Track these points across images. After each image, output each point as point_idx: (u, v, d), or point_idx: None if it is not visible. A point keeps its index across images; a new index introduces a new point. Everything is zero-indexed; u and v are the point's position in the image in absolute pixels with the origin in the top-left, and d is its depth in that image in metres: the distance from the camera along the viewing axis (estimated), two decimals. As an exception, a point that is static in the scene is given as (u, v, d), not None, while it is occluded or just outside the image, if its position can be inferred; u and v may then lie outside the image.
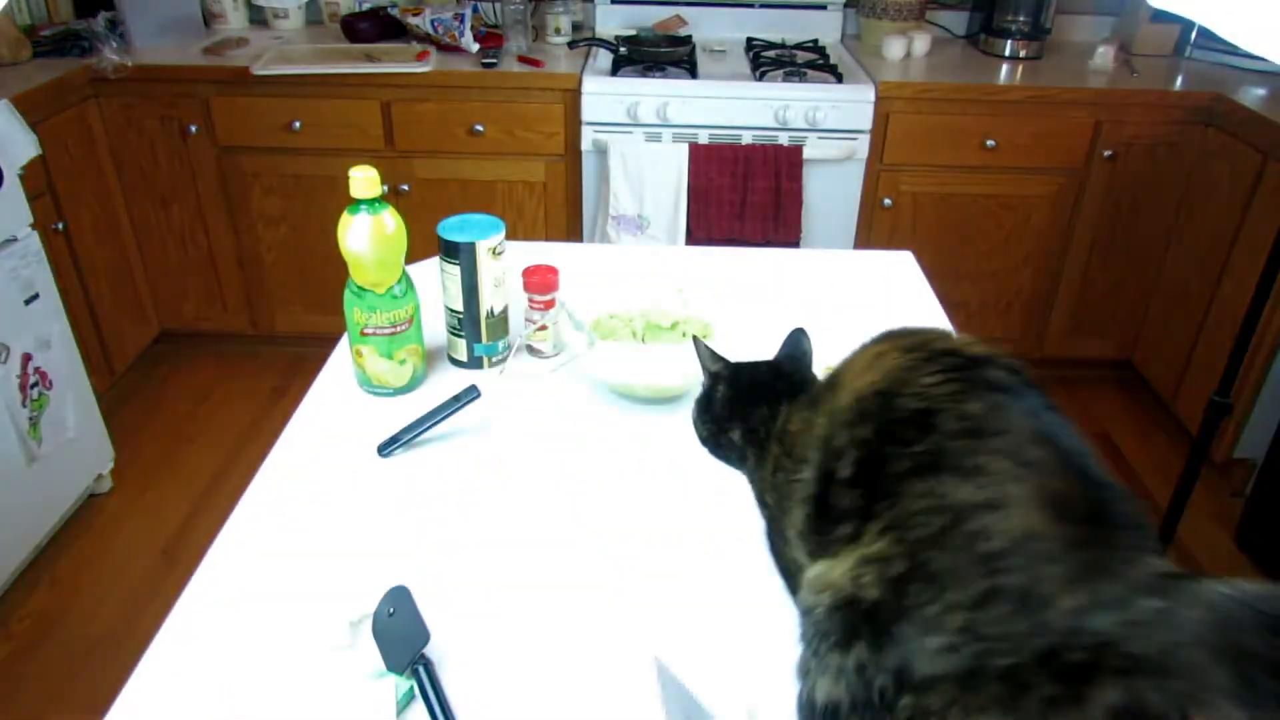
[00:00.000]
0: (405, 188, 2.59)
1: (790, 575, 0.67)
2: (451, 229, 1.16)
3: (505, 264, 1.19)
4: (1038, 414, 0.52)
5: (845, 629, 0.53)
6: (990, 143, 2.49)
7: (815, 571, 0.56)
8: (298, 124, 2.51)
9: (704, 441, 0.81)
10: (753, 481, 0.73)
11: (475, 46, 2.59)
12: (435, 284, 1.20)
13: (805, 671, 0.56)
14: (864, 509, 0.54)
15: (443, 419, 1.08)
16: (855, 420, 0.55)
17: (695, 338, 0.85)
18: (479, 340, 1.21)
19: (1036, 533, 0.47)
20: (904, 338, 0.59)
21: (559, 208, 2.63)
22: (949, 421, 0.51)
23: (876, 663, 0.51)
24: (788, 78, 2.49)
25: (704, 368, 0.82)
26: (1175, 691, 0.44)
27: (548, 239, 2.65)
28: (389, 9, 2.75)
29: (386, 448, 1.07)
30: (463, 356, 1.23)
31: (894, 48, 2.65)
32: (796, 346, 0.80)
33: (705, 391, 0.81)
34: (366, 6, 2.82)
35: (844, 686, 0.52)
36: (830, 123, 2.43)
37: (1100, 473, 0.51)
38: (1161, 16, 2.69)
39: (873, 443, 0.54)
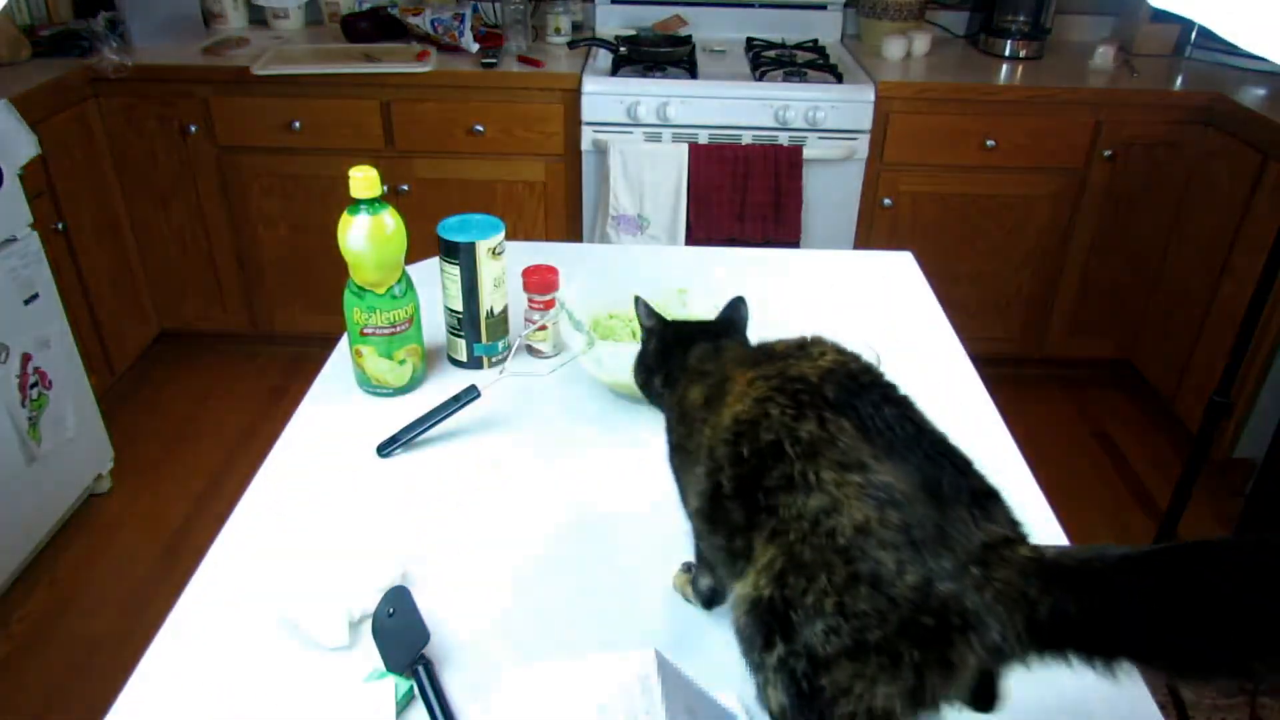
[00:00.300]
0: (405, 188, 2.59)
1: (678, 478, 0.78)
2: (451, 229, 1.16)
3: (505, 264, 1.19)
4: (865, 415, 0.61)
5: (761, 628, 0.61)
6: (990, 142, 2.49)
7: (736, 595, 0.65)
8: (298, 124, 2.51)
9: (640, 388, 0.91)
10: (667, 420, 0.82)
11: (475, 46, 2.59)
12: (435, 284, 1.20)
13: (759, 688, 0.63)
14: (749, 521, 0.63)
15: (443, 419, 1.08)
16: (732, 440, 0.65)
17: (637, 296, 0.93)
18: (479, 340, 1.21)
19: (866, 525, 0.56)
20: (770, 363, 0.68)
21: (559, 208, 2.63)
22: (790, 447, 0.61)
23: (793, 651, 0.58)
24: (788, 78, 2.49)
25: (641, 323, 0.92)
26: (993, 643, 0.53)
27: (548, 239, 2.65)
28: (389, 9, 2.75)
29: (386, 448, 1.07)
30: (463, 356, 1.23)
31: (894, 48, 2.65)
32: (735, 312, 0.88)
33: (642, 343, 0.91)
34: (366, 6, 2.82)
35: (781, 687, 0.60)
36: (830, 123, 2.43)
37: (936, 448, 0.60)
38: (1161, 16, 2.69)
39: (747, 462, 0.64)
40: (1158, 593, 0.49)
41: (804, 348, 0.71)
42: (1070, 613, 0.51)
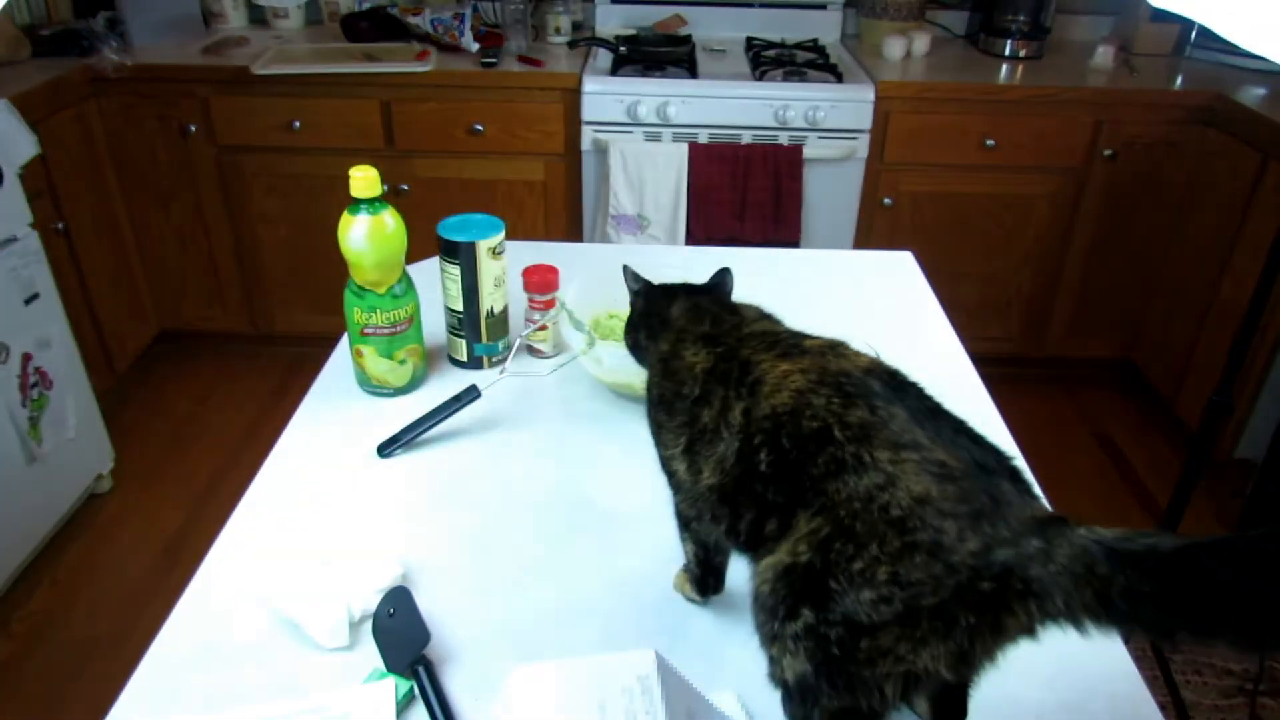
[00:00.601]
0: (405, 188, 2.59)
1: (658, 432, 0.81)
2: (451, 229, 1.16)
3: (505, 264, 1.19)
4: (911, 407, 0.64)
5: (789, 596, 0.62)
6: (990, 142, 2.49)
7: (760, 566, 0.66)
8: (298, 124, 2.51)
9: (630, 350, 0.95)
10: (650, 374, 0.85)
11: (475, 46, 2.59)
12: (435, 284, 1.20)
13: (771, 660, 0.65)
14: (788, 506, 0.65)
15: (443, 419, 1.08)
16: (773, 429, 0.67)
17: (625, 265, 0.98)
18: (479, 340, 1.21)
19: (927, 496, 0.58)
20: (803, 357, 0.71)
21: (559, 207, 2.63)
22: (839, 432, 0.63)
23: (825, 619, 0.60)
24: (788, 77, 2.49)
25: (629, 287, 0.96)
26: (1056, 611, 0.56)
27: (548, 239, 2.65)
28: (389, 9, 2.75)
29: (386, 448, 1.07)
30: (463, 356, 1.23)
31: (894, 47, 2.65)
32: (721, 279, 0.93)
33: (631, 307, 0.95)
34: (366, 6, 2.82)
35: (804, 655, 0.61)
36: (830, 122, 2.43)
37: (974, 437, 0.63)
38: (1161, 16, 2.69)
39: (790, 452, 0.65)
40: (1224, 578, 0.52)
41: (836, 349, 0.72)
42: (1144, 591, 0.54)
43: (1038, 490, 0.63)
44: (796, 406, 0.66)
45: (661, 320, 0.86)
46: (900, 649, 0.58)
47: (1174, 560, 0.54)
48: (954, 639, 0.57)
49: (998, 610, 0.57)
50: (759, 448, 0.67)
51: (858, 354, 0.71)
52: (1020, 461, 0.64)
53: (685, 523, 0.83)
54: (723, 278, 0.93)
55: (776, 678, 0.65)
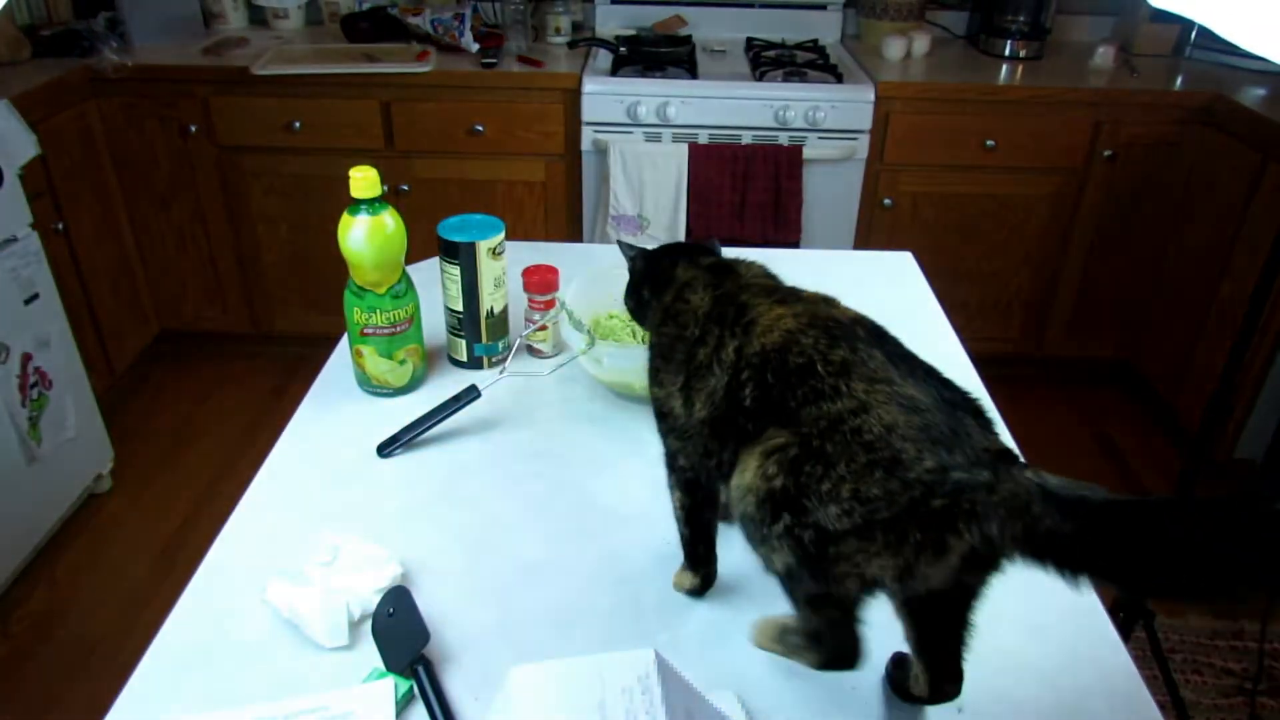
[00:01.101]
0: (405, 188, 2.59)
1: (654, 377, 0.86)
2: (451, 229, 1.16)
3: (505, 264, 1.19)
4: (889, 351, 0.71)
5: (771, 511, 0.69)
6: (990, 143, 2.49)
7: (734, 484, 0.73)
8: (298, 124, 2.51)
9: (631, 313, 0.99)
10: (652, 326, 0.90)
11: (475, 46, 2.59)
12: (435, 284, 1.20)
13: (763, 557, 0.73)
14: (755, 432, 0.72)
15: (443, 419, 1.08)
16: (759, 365, 0.73)
17: (619, 240, 1.04)
18: (479, 340, 1.21)
19: (895, 423, 0.65)
20: (798, 303, 0.77)
21: (559, 208, 2.63)
22: (821, 367, 0.70)
23: (801, 523, 0.68)
24: (788, 78, 2.49)
25: (626, 256, 1.00)
26: (994, 538, 0.63)
27: (548, 239, 2.65)
28: (389, 9, 2.75)
29: (386, 448, 1.07)
30: (463, 356, 1.23)
31: (894, 48, 2.65)
32: (709, 245, 0.98)
33: (630, 274, 0.98)
34: (366, 6, 2.82)
35: (787, 549, 0.69)
36: (830, 123, 2.43)
37: (943, 380, 0.70)
38: (1161, 16, 2.69)
39: (773, 387, 0.72)
40: (1133, 531, 0.60)
41: (828, 301, 0.79)
42: (1065, 533, 0.61)
43: (1001, 428, 0.68)
44: (785, 344, 0.73)
45: (665, 277, 0.90)
46: (857, 557, 0.66)
47: (1095, 510, 0.61)
48: (902, 555, 0.65)
49: (943, 529, 0.63)
50: (746, 382, 0.74)
51: (847, 308, 0.78)
52: (987, 401, 0.70)
53: (674, 463, 0.86)
54: (711, 242, 0.98)
55: (769, 569, 0.73)
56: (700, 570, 0.88)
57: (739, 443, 0.74)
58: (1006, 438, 0.69)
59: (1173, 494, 0.61)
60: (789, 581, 0.73)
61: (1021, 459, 0.67)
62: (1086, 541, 0.61)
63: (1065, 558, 0.62)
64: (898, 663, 0.78)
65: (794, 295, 0.80)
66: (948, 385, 0.70)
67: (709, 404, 0.77)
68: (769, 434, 0.70)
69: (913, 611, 0.73)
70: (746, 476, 0.71)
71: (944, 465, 0.63)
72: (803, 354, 0.71)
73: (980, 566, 0.66)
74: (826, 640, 0.75)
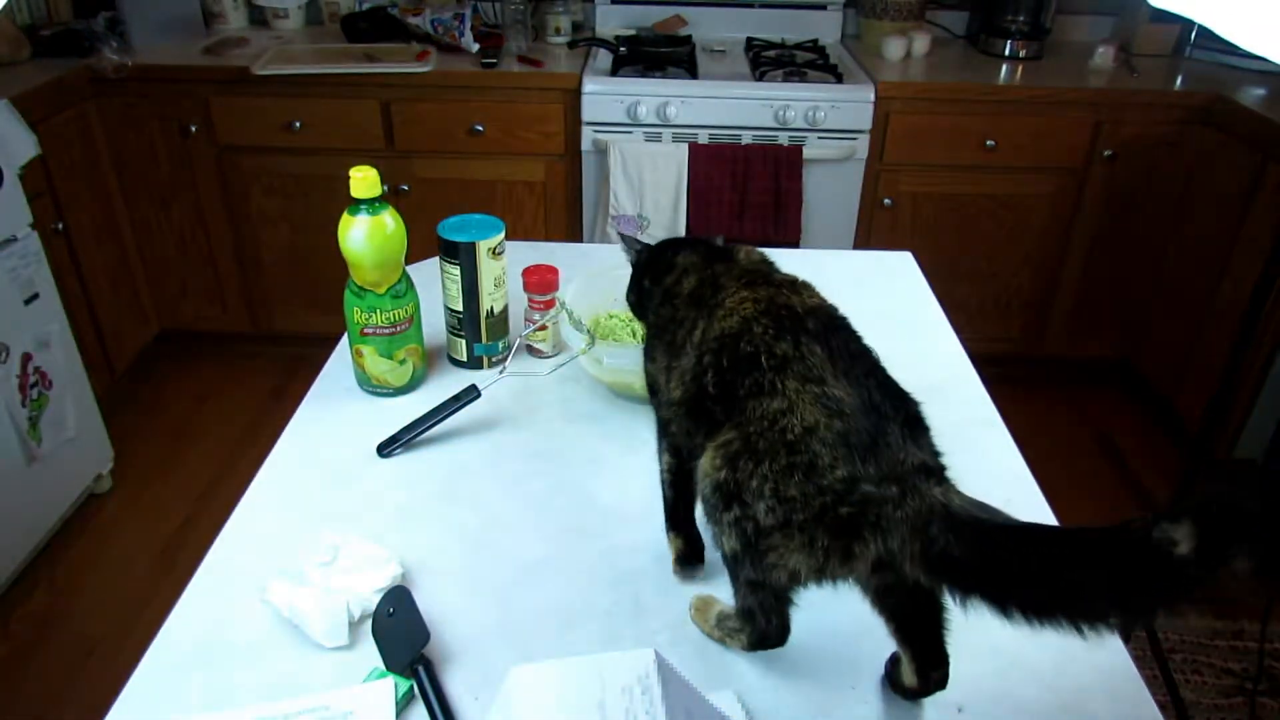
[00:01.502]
0: (405, 188, 2.59)
1: (649, 353, 0.91)
2: (451, 229, 1.16)
3: (505, 264, 1.19)
4: (834, 346, 0.72)
5: (722, 499, 0.73)
6: (990, 142, 2.49)
7: (698, 470, 0.76)
8: (298, 124, 2.51)
9: (633, 307, 1.01)
10: (650, 313, 0.93)
11: (475, 46, 2.59)
12: (435, 284, 1.20)
13: (714, 536, 0.76)
14: (725, 417, 0.74)
15: (443, 419, 1.08)
16: (716, 349, 0.77)
17: (621, 232, 1.10)
18: (479, 340, 1.21)
19: (814, 426, 0.67)
20: (765, 287, 0.80)
21: (559, 208, 2.63)
22: (765, 359, 0.72)
23: (744, 514, 0.71)
24: (788, 78, 2.49)
25: (631, 250, 1.02)
26: (892, 553, 0.65)
27: (548, 239, 2.65)
28: (389, 9, 2.75)
29: (386, 448, 1.07)
30: (463, 356, 1.23)
31: (894, 48, 2.65)
32: (712, 239, 0.99)
33: (634, 265, 1.00)
34: (366, 6, 2.82)
35: (736, 537, 0.73)
36: (830, 123, 2.43)
37: (882, 381, 0.71)
38: (1161, 16, 2.69)
39: (726, 371, 0.75)
40: (1017, 559, 0.62)
41: (795, 285, 0.82)
42: (954, 557, 0.63)
43: (932, 438, 0.70)
44: (739, 331, 0.75)
45: (667, 265, 0.93)
46: (781, 551, 0.70)
47: (986, 537, 0.63)
48: (814, 556, 0.68)
49: (849, 536, 0.66)
50: (707, 368, 0.77)
51: (812, 294, 0.81)
52: (924, 409, 0.72)
53: (665, 429, 0.89)
54: (715, 239, 1.00)
55: (719, 549, 0.77)
56: (681, 531, 0.91)
57: (710, 426, 0.76)
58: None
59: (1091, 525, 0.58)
60: (733, 564, 0.76)
61: (943, 472, 0.68)
62: (973, 565, 0.62)
63: (955, 579, 0.63)
64: (895, 661, 0.79)
65: (764, 278, 0.82)
66: (887, 388, 0.71)
67: (682, 384, 0.80)
68: (726, 426, 0.73)
69: (881, 602, 0.74)
70: (704, 464, 0.75)
71: (854, 476, 0.65)
72: (751, 343, 0.74)
73: (895, 572, 0.67)
74: (758, 619, 0.78)
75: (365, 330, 1.12)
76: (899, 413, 0.69)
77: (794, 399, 0.69)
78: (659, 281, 0.93)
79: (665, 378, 0.85)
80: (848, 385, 0.69)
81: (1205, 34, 2.70)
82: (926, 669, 0.75)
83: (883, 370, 0.73)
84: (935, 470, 0.67)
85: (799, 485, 0.67)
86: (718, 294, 0.81)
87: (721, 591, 0.87)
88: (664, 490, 0.92)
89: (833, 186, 2.51)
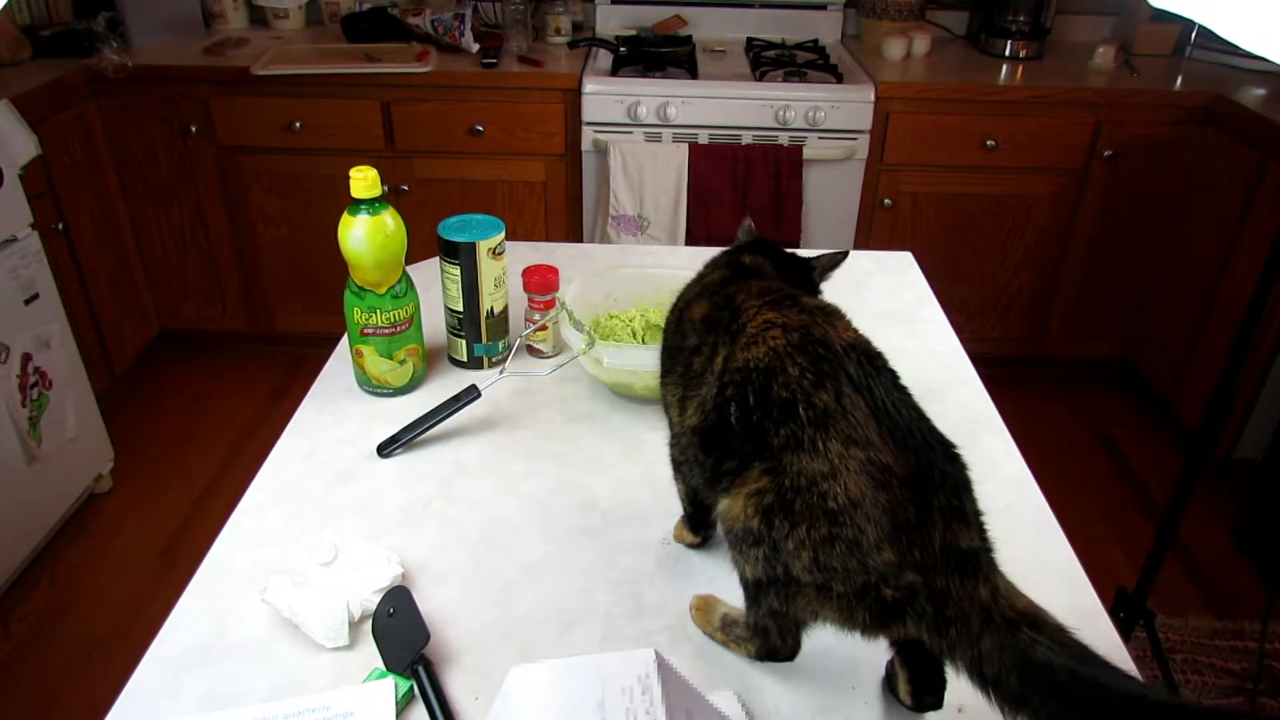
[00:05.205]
0: (405, 188, 2.59)
1: (662, 380, 0.87)
2: (451, 229, 1.16)
3: (505, 264, 1.19)
4: (878, 397, 0.67)
5: (751, 539, 0.71)
6: (990, 142, 2.49)
7: (721, 507, 0.74)
8: (298, 124, 2.51)
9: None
10: (666, 326, 0.91)
11: (475, 46, 2.59)
12: (435, 284, 1.20)
13: (738, 563, 0.74)
14: (749, 455, 0.71)
15: (443, 419, 1.08)
16: (743, 383, 0.71)
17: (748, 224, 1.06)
18: (479, 340, 1.21)
19: (862, 499, 0.63)
20: (793, 310, 0.73)
21: (559, 208, 2.63)
22: (803, 411, 0.67)
23: (775, 558, 0.69)
24: (788, 78, 2.49)
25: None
26: (935, 642, 0.64)
27: (548, 239, 2.65)
28: (389, 9, 2.75)
29: (386, 448, 1.07)
30: (463, 356, 1.23)
31: (894, 48, 2.65)
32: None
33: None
34: (367, 6, 2.82)
35: (762, 569, 0.71)
36: (830, 123, 2.43)
37: (928, 439, 0.66)
38: (1161, 16, 2.69)
39: (754, 410, 0.70)
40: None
41: (828, 313, 0.75)
42: (1008, 686, 0.60)
43: (975, 498, 0.67)
44: (770, 367, 0.70)
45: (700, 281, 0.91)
46: (814, 604, 0.69)
47: (1055, 686, 0.59)
48: (851, 621, 0.67)
49: (890, 617, 0.65)
50: (730, 400, 0.72)
51: (847, 325, 0.74)
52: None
53: (676, 465, 0.88)
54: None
55: (740, 571, 0.75)
56: (700, 534, 0.93)
57: (728, 456, 0.73)
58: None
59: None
60: (754, 593, 0.74)
61: (990, 554, 0.65)
62: (1031, 705, 0.60)
63: (1005, 701, 0.61)
64: (892, 673, 0.78)
65: (791, 300, 0.75)
66: (930, 447, 0.66)
67: (699, 413, 0.77)
68: (754, 469, 0.70)
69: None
70: (732, 507, 0.72)
71: (900, 562, 0.63)
72: (787, 387, 0.68)
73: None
74: (772, 638, 0.77)
75: (365, 330, 1.12)
76: (945, 480, 0.65)
77: (837, 464, 0.64)
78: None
79: (679, 409, 0.81)
80: (894, 449, 0.64)
81: (1205, 34, 2.70)
82: (922, 692, 0.75)
83: (926, 420, 0.68)
84: (982, 557, 0.64)
85: (841, 559, 0.64)
86: (737, 316, 0.76)
87: (722, 591, 0.87)
88: (683, 504, 0.92)
89: (833, 187, 2.51)
